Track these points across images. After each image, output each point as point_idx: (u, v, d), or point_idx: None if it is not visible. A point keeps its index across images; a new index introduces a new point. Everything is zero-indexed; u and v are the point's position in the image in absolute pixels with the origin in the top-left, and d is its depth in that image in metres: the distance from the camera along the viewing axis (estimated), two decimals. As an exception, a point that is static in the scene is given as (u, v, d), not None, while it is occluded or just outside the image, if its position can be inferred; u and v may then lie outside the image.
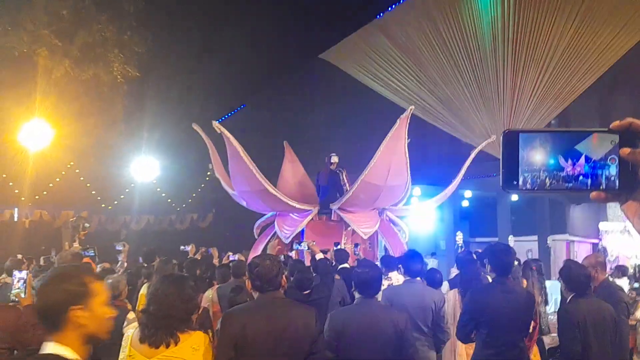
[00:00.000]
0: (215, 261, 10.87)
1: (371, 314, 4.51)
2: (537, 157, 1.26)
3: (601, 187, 1.25)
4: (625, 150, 1.23)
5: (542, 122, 16.23)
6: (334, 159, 14.22)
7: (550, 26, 15.74)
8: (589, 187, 1.26)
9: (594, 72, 15.63)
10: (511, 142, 1.27)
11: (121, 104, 18.58)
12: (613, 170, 1.25)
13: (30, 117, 14.42)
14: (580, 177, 1.25)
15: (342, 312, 4.74)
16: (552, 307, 13.56)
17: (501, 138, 1.28)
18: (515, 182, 1.27)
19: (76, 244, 10.93)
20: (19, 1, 14.89)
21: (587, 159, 1.25)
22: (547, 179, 1.26)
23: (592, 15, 15.41)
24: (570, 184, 1.26)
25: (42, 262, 9.40)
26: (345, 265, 8.20)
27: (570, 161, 1.26)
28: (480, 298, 4.96)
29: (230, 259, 10.44)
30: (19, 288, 4.30)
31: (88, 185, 18.72)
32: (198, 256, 11.14)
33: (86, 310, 2.22)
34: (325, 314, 4.83)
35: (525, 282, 8.18)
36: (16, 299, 4.33)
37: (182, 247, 11.85)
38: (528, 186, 1.27)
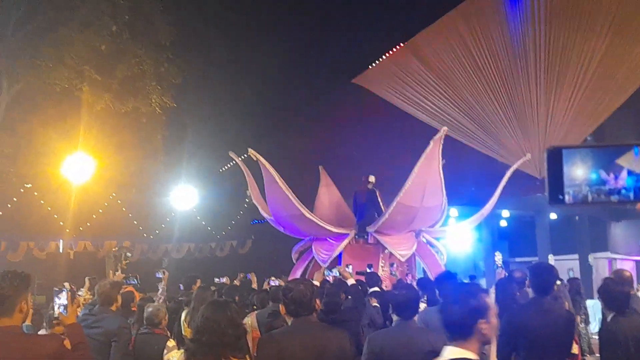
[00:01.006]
0: (254, 286, 10.94)
1: (408, 335, 4.50)
2: (580, 171, 1.30)
3: None
4: None
5: (577, 140, 16.10)
6: (371, 178, 14.29)
7: (581, 44, 15.69)
8: (632, 199, 1.30)
9: (627, 87, 15.49)
10: (555, 158, 1.32)
11: (161, 134, 18.98)
12: None
13: (73, 150, 14.79)
14: (623, 190, 1.29)
15: (380, 334, 4.77)
16: (596, 327, 13.35)
17: (545, 155, 1.33)
18: (561, 197, 1.32)
19: (119, 273, 11.15)
20: (59, 38, 15.34)
21: (629, 172, 1.29)
22: (590, 193, 1.30)
23: (622, 32, 15.30)
24: (615, 197, 1.30)
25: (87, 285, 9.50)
26: (376, 288, 8.21)
27: (612, 174, 1.29)
28: (516, 319, 4.86)
29: (271, 284, 10.52)
30: (59, 313, 4.31)
31: (130, 215, 19.03)
32: (237, 282, 11.24)
33: (487, 323, 2.72)
34: (354, 336, 4.86)
35: (566, 302, 8.10)
36: (58, 318, 4.36)
37: (216, 280, 11.92)
38: (573, 200, 1.32)
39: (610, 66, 15.66)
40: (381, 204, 14.26)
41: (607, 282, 5.22)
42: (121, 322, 5.64)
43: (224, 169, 17.94)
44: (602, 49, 15.56)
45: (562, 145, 1.33)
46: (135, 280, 9.19)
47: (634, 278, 16.56)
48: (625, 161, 1.29)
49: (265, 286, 10.36)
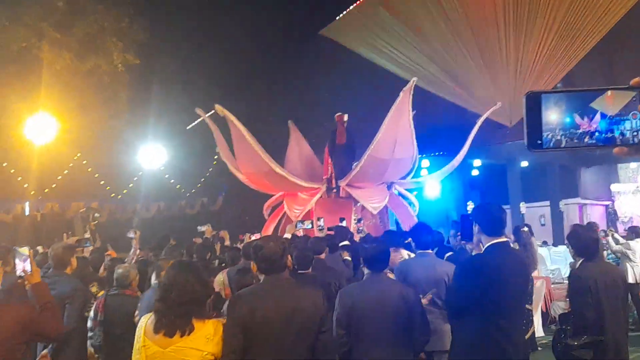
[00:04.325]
0: (227, 244, 10.84)
1: (380, 289, 4.47)
2: (559, 116, 1.31)
3: (618, 142, 1.30)
4: None
5: (547, 86, 16.09)
6: (345, 117, 14.06)
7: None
8: (604, 143, 1.30)
9: (596, 33, 15.47)
10: (533, 103, 1.32)
11: (124, 92, 18.56)
12: (636, 125, 1.29)
13: (34, 111, 14.43)
14: (597, 134, 1.30)
15: (352, 289, 4.71)
16: (566, 272, 13.59)
17: (524, 100, 1.33)
18: (539, 142, 1.32)
19: (87, 235, 10.97)
20: (14, -4, 14.86)
21: (603, 116, 1.29)
22: (565, 137, 1.31)
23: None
24: (588, 140, 1.30)
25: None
26: (346, 242, 8.14)
27: (590, 118, 1.30)
28: (479, 261, 4.31)
29: (253, 238, 10.43)
30: (24, 271, 4.21)
31: (96, 175, 18.75)
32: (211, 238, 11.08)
33: None
34: (327, 289, 4.80)
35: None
36: (23, 277, 4.27)
37: (198, 228, 11.79)
38: (552, 145, 1.32)
39: (578, 13, 15.59)
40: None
41: (575, 228, 5.21)
42: (75, 285, 5.53)
43: (191, 126, 17.62)
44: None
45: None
46: (88, 242, 9.05)
47: (604, 223, 16.79)
48: (598, 104, 1.30)
49: (247, 240, 10.28)
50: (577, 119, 1.29)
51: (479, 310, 4.04)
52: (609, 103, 1.28)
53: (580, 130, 1.29)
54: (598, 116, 1.28)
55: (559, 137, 1.30)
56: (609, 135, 1.29)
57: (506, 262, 4.14)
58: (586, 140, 1.29)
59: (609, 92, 1.29)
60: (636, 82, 1.27)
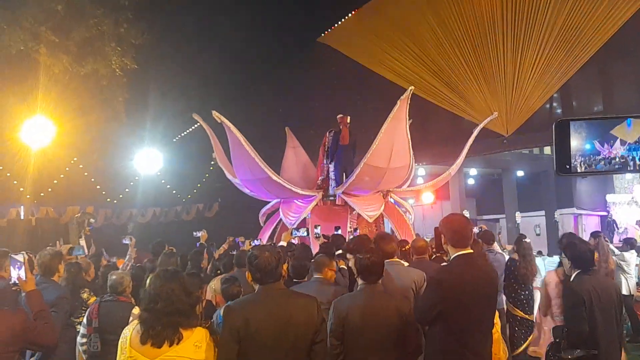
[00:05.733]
0: (246, 248, 10.77)
1: (374, 300, 4.46)
2: (586, 142, 1.37)
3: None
4: None
5: (543, 96, 16.17)
6: (348, 118, 13.99)
7: (547, 2, 15.63)
8: (624, 168, 1.40)
9: (592, 44, 15.50)
10: (562, 130, 1.39)
11: (122, 97, 18.54)
12: None
13: (31, 114, 14.40)
14: (622, 159, 1.38)
15: (346, 299, 4.70)
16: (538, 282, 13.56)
17: (553, 127, 1.43)
18: (567, 167, 1.41)
19: (82, 240, 10.95)
20: (13, -1, 14.86)
21: (622, 143, 1.36)
22: (596, 162, 1.39)
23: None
24: (619, 166, 1.40)
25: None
26: (341, 251, 8.12)
27: (610, 145, 1.37)
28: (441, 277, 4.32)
29: (254, 244, 10.40)
30: (19, 279, 4.21)
31: (92, 180, 18.70)
32: (225, 245, 11.08)
33: None
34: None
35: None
36: (17, 284, 4.27)
37: (194, 233, 11.79)
38: (579, 169, 1.41)
39: (574, 24, 15.65)
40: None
41: (572, 240, 5.20)
42: (61, 292, 5.55)
43: (189, 131, 17.61)
44: (567, 5, 15.52)
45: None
46: (80, 250, 9.01)
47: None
48: (620, 132, 1.36)
49: (247, 247, 10.29)
50: (598, 145, 1.36)
51: (442, 319, 4.11)
52: (629, 130, 1.34)
53: (604, 156, 1.36)
54: (618, 143, 1.35)
55: (586, 162, 1.37)
56: (635, 161, 1.35)
57: (470, 272, 4.18)
58: (613, 164, 1.37)
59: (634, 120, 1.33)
60: None
